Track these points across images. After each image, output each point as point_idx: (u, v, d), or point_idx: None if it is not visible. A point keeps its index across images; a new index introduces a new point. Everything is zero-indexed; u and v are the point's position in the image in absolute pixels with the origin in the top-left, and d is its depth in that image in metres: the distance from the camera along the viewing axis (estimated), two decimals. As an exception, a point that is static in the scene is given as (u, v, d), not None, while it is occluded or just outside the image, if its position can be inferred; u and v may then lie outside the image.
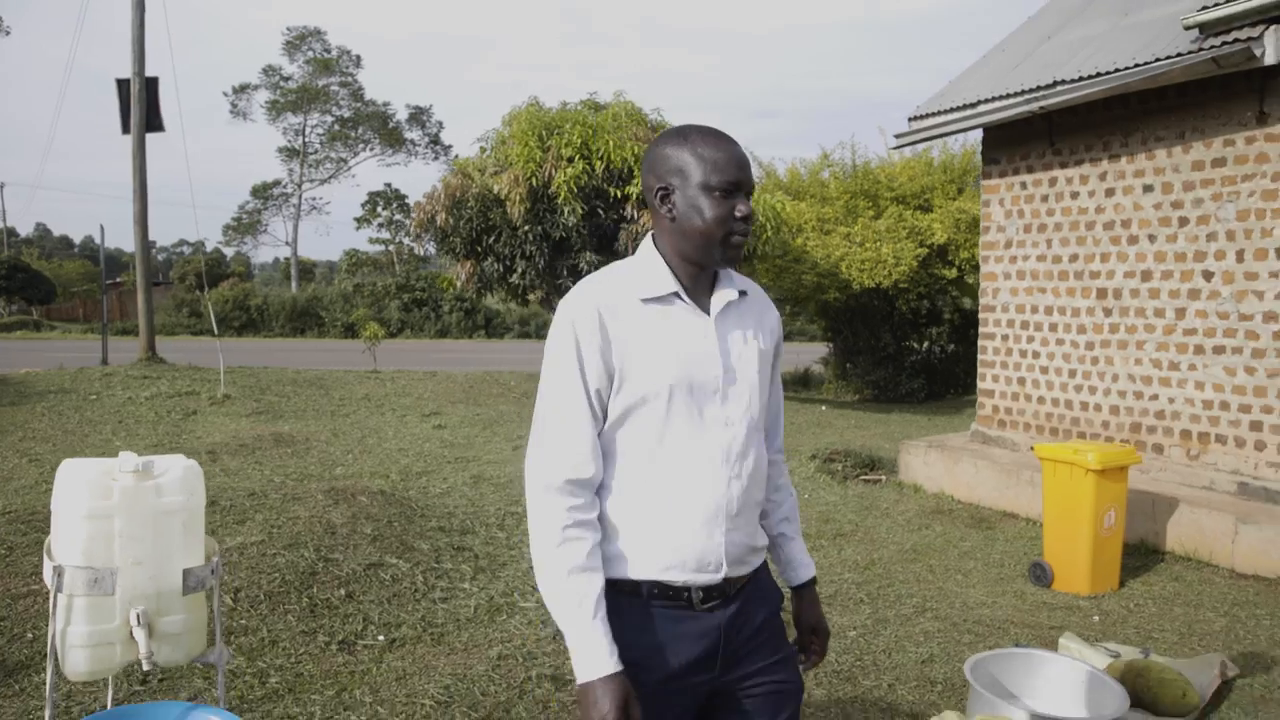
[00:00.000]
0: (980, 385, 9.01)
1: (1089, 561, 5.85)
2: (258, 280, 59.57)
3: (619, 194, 13.25)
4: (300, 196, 47.43)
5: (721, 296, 1.81)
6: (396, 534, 5.89)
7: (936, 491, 8.35)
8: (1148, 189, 7.36)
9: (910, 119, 8.88)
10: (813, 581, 2.06)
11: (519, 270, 13.92)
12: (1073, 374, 8.03)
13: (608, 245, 13.59)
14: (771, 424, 2.01)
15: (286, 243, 49.18)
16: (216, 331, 16.33)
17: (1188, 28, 6.48)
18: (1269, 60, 6.01)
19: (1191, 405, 7.10)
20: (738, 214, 1.73)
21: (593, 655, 1.63)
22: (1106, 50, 7.37)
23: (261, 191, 47.45)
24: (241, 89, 45.34)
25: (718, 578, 1.78)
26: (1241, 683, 4.29)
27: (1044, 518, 6.20)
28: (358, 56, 47.85)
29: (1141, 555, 6.49)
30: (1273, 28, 6.02)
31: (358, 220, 46.32)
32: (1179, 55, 6.46)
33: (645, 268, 1.79)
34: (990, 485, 7.89)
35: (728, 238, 1.74)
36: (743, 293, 1.87)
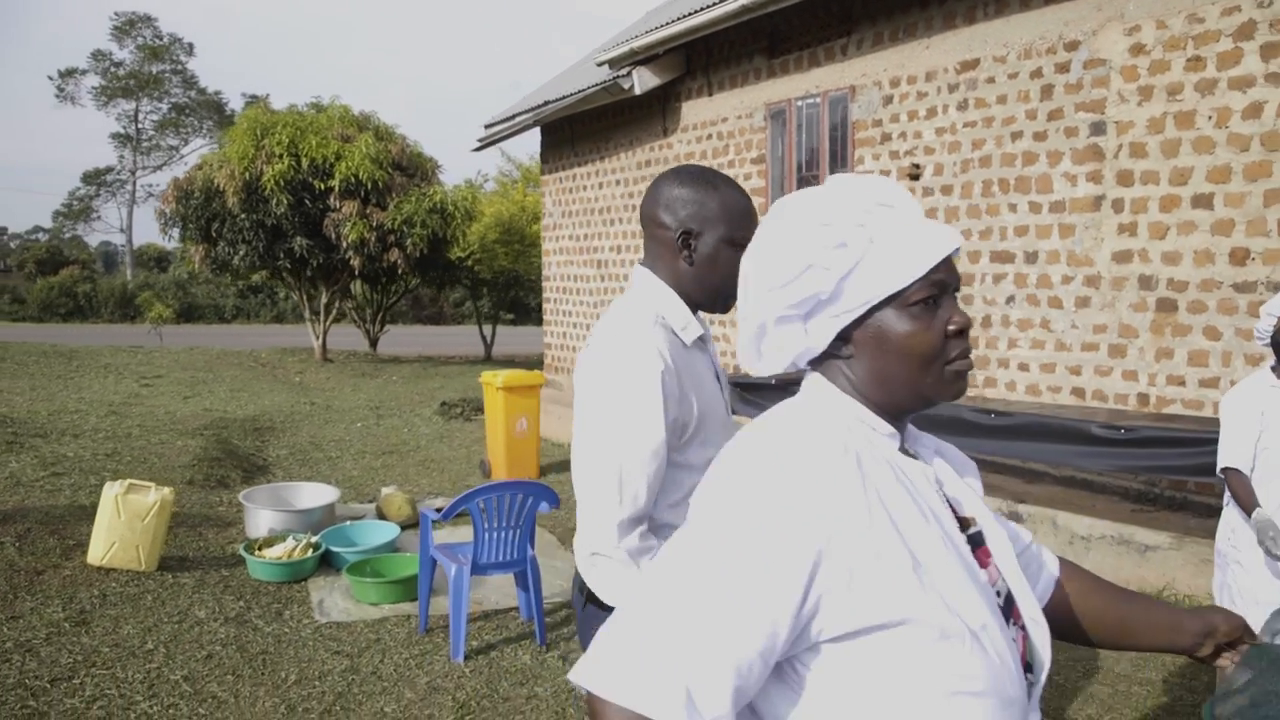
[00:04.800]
0: (544, 339, 11.29)
1: (505, 456, 8.09)
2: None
3: (323, 186, 15.15)
4: (135, 183, 47.44)
5: (699, 326, 1.80)
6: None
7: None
8: (618, 183, 9.70)
9: (486, 125, 11.07)
10: None
11: (241, 253, 15.66)
12: (587, 327, 10.35)
13: (316, 231, 15.46)
14: None
15: (121, 229, 49.09)
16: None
17: (598, 65, 8.80)
18: (637, 91, 8.35)
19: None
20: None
21: None
22: (576, 80, 9.69)
23: (94, 178, 47.28)
24: (69, 73, 45.08)
25: None
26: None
27: (485, 426, 8.43)
28: (190, 44, 48.01)
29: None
30: (639, 68, 8.36)
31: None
32: (593, 86, 8.78)
33: (674, 309, 1.75)
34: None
35: (733, 291, 1.67)
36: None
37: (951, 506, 1.07)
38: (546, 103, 9.66)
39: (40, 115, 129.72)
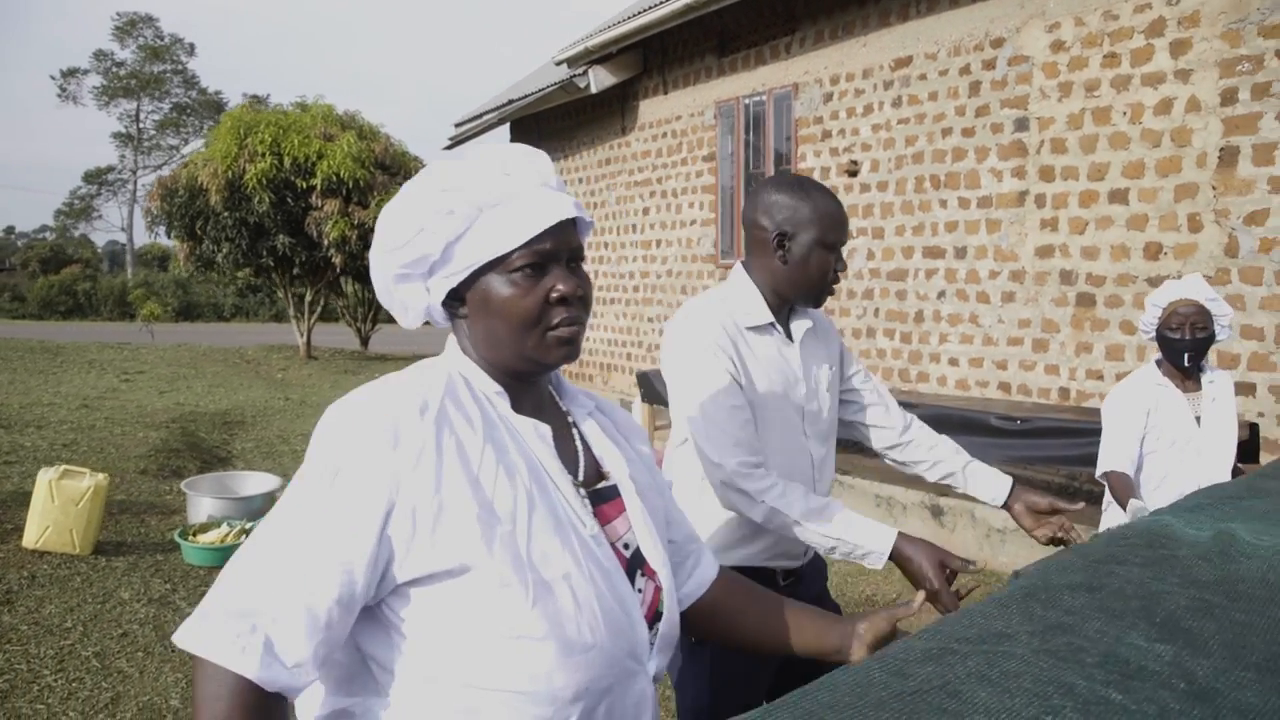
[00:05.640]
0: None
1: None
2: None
3: (305, 185, 15.27)
4: (136, 183, 47.70)
5: (800, 326, 1.97)
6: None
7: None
8: (580, 180, 9.80)
9: (455, 124, 11.17)
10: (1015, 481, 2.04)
11: (224, 251, 15.78)
12: (553, 323, 10.46)
13: (298, 229, 15.58)
14: (883, 401, 2.15)
15: (122, 229, 49.41)
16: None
17: (557, 63, 8.90)
18: (593, 90, 8.45)
19: (603, 345, 9.56)
20: (837, 268, 1.89)
21: (876, 532, 1.74)
22: (543, 79, 9.79)
23: (95, 177, 47.59)
24: (70, 73, 45.40)
25: (798, 563, 2.00)
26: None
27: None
28: (191, 45, 48.24)
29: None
30: (595, 67, 8.46)
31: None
32: (551, 85, 8.88)
33: (745, 299, 1.91)
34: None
35: (825, 289, 1.90)
36: (814, 320, 2.02)
37: (588, 463, 1.15)
38: (510, 101, 9.77)
39: (43, 115, 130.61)
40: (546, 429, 1.10)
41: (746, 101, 7.52)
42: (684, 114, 8.22)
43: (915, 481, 5.64)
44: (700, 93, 8.01)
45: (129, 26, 45.51)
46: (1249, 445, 4.12)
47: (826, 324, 2.10)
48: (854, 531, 1.74)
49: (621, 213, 9.14)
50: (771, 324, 1.91)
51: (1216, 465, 2.97)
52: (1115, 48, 5.09)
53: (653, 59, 8.55)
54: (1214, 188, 4.73)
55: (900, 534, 1.72)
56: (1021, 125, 5.57)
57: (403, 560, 0.96)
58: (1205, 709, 1.00)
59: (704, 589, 1.32)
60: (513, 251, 1.05)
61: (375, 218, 15.14)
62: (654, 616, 1.12)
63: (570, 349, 1.10)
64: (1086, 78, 5.22)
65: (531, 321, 1.06)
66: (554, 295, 1.07)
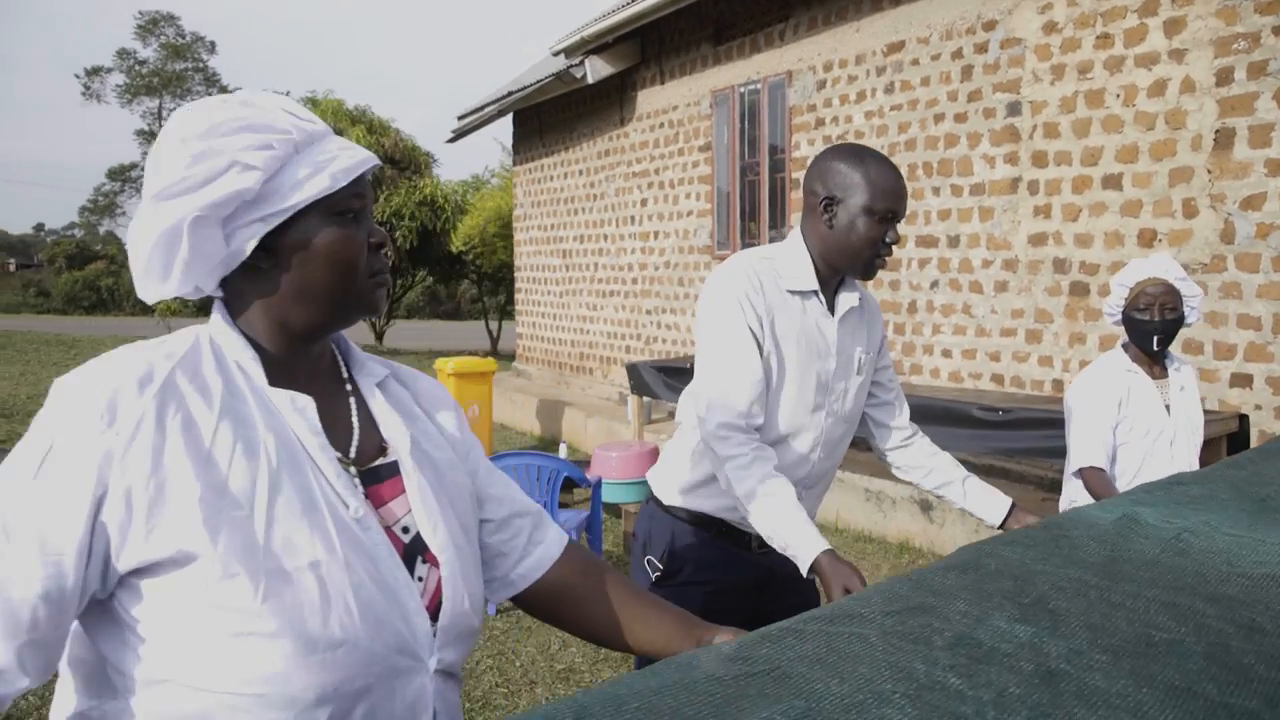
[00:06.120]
0: (517, 330, 11.32)
1: (456, 441, 8.14)
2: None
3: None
4: (159, 180, 48.01)
5: (845, 300, 1.94)
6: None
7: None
8: (580, 172, 9.71)
9: (458, 117, 11.12)
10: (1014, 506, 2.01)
11: (234, 243, 15.90)
12: (555, 317, 10.38)
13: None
14: (898, 402, 2.13)
15: (145, 225, 49.86)
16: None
17: (554, 54, 8.81)
18: (590, 79, 8.36)
19: (602, 337, 9.48)
20: (888, 239, 1.83)
21: (807, 540, 1.69)
22: (543, 70, 9.70)
23: (118, 174, 48.07)
24: (94, 71, 45.87)
25: None
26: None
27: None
28: (212, 42, 48.62)
29: (530, 440, 8.83)
30: (592, 57, 8.37)
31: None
32: (549, 76, 8.79)
33: (793, 260, 1.90)
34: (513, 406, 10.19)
35: (872, 259, 1.85)
36: (860, 300, 1.99)
37: (365, 438, 1.04)
38: (510, 93, 9.69)
39: (68, 114, 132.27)
40: (307, 401, 0.99)
41: (742, 90, 7.40)
42: (680, 104, 8.11)
43: (905, 476, 5.52)
44: (696, 82, 7.89)
45: (151, 25, 45.93)
46: (1239, 437, 3.97)
47: (875, 307, 2.07)
48: (788, 531, 1.71)
49: (620, 204, 9.05)
50: (815, 291, 1.89)
51: (1187, 456, 2.83)
52: (1109, 28, 4.92)
53: (650, 48, 8.44)
54: (1209, 171, 4.56)
55: (827, 551, 1.68)
56: (1014, 110, 5.41)
57: (119, 549, 0.86)
58: (1045, 692, 0.92)
59: (544, 569, 1.21)
60: (338, 192, 0.98)
61: (383, 211, 15.17)
62: (438, 606, 1.01)
63: (382, 297, 1.06)
64: (1079, 59, 5.06)
65: (355, 264, 1.01)
66: (374, 240, 1.03)
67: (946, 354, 5.93)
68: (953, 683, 0.93)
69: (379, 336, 20.10)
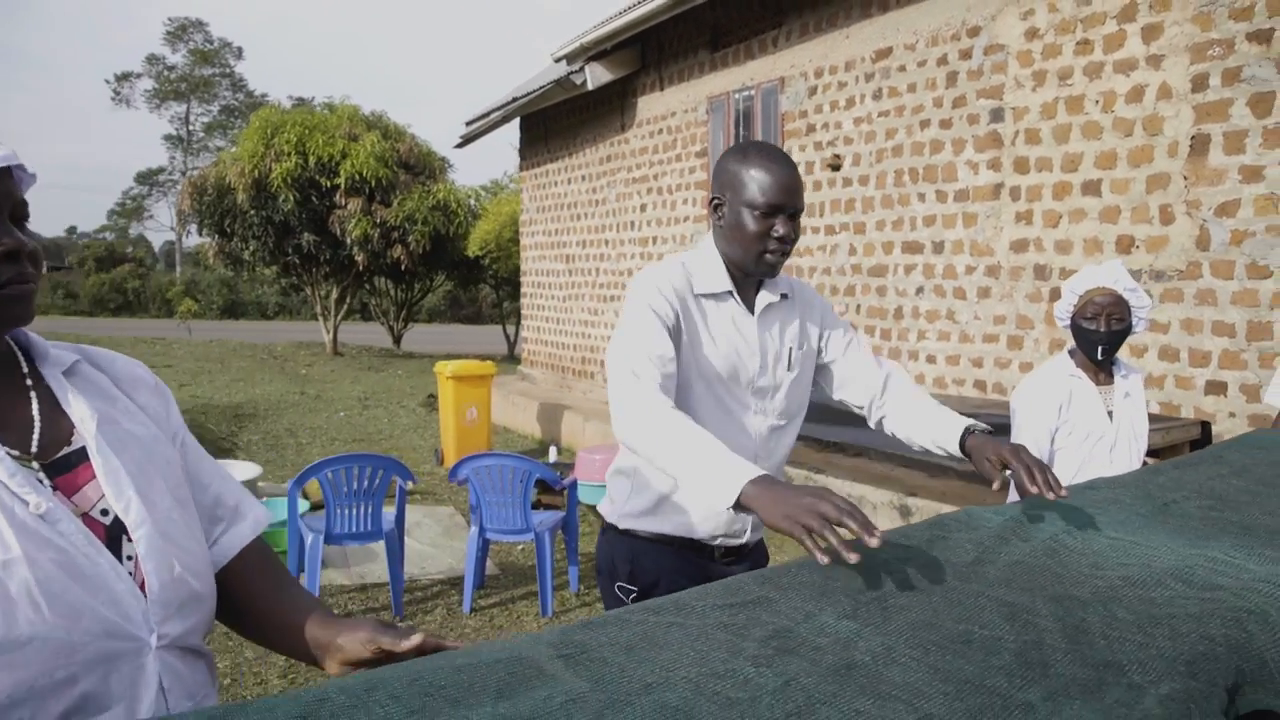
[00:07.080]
0: (523, 334, 11.41)
1: (455, 444, 8.21)
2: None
3: (329, 184, 15.51)
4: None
5: (763, 298, 1.93)
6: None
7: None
8: (583, 178, 9.79)
9: (466, 122, 11.24)
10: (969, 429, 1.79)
11: (251, 248, 16.11)
12: (558, 321, 10.46)
13: (323, 227, 15.83)
14: (865, 377, 1.99)
15: (172, 228, 50.80)
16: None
17: (556, 60, 8.90)
18: (589, 86, 8.44)
19: (603, 342, 9.54)
20: (774, 233, 1.80)
21: (737, 467, 1.47)
22: (547, 77, 9.80)
23: (146, 178, 48.99)
24: (124, 77, 46.79)
25: (740, 541, 2.00)
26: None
27: (439, 415, 8.57)
28: (239, 49, 49.45)
29: (530, 444, 8.90)
30: (592, 64, 8.45)
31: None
32: (550, 83, 8.88)
33: (704, 264, 1.90)
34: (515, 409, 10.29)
35: (762, 254, 1.82)
36: (784, 295, 1.97)
37: (49, 429, 1.02)
38: (515, 100, 9.80)
39: (99, 118, 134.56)
40: None
41: (736, 96, 7.45)
42: (679, 110, 8.17)
43: (886, 481, 5.52)
44: (694, 88, 7.95)
45: (180, 31, 46.82)
46: (1201, 444, 3.96)
47: (809, 300, 2.04)
48: (713, 461, 1.52)
49: (621, 210, 9.12)
50: (729, 292, 1.89)
51: (1127, 462, 2.85)
52: (1089, 34, 4.93)
53: (650, 55, 8.51)
54: (1185, 178, 4.55)
55: (760, 479, 1.47)
56: (997, 116, 5.42)
57: None
58: (833, 683, 0.97)
59: (227, 558, 1.17)
60: None
61: (397, 216, 15.36)
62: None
63: (22, 308, 0.99)
64: (1060, 65, 5.07)
65: None
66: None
67: (931, 359, 5.94)
68: (746, 671, 0.98)
69: (397, 340, 20.32)
